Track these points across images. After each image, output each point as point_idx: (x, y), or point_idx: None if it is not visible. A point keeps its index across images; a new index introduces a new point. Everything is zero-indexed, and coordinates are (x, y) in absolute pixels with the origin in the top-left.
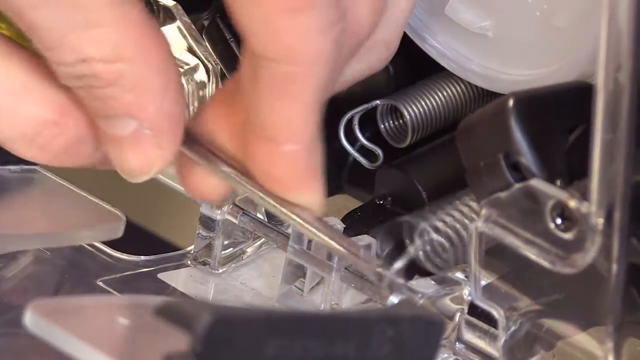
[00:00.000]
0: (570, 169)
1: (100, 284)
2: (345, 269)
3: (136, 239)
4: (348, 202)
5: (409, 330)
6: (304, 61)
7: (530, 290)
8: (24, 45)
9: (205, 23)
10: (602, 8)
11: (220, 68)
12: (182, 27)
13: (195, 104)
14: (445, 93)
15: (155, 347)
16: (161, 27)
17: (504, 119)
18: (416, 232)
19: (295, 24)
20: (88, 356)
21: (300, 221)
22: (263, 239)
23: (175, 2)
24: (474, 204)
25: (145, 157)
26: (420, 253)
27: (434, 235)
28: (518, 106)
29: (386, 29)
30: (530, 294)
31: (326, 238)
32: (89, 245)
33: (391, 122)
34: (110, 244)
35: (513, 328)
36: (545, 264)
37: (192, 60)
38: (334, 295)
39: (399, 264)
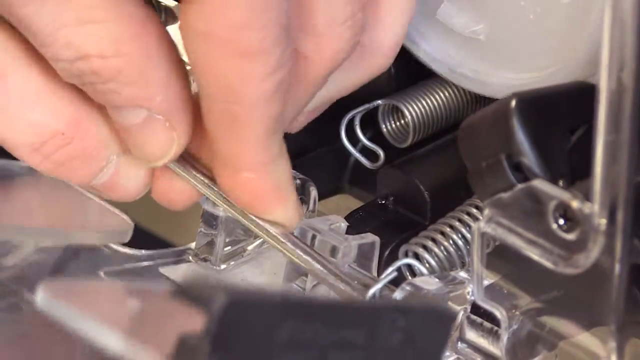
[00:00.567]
0: (573, 170)
1: (102, 275)
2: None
3: (136, 238)
4: (349, 202)
5: (419, 321)
6: (246, 102)
7: (533, 290)
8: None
9: None
10: (604, 7)
11: None
12: None
13: None
14: (447, 93)
15: (166, 329)
16: None
17: (506, 119)
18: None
19: (240, 69)
20: (99, 334)
21: (269, 238)
22: None
23: (177, 3)
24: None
25: (161, 140)
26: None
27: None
28: (520, 106)
29: (381, 36)
30: (533, 294)
31: (294, 255)
32: None
33: (393, 122)
34: None
35: (515, 328)
36: (547, 264)
37: None
38: (335, 294)
39: (389, 275)
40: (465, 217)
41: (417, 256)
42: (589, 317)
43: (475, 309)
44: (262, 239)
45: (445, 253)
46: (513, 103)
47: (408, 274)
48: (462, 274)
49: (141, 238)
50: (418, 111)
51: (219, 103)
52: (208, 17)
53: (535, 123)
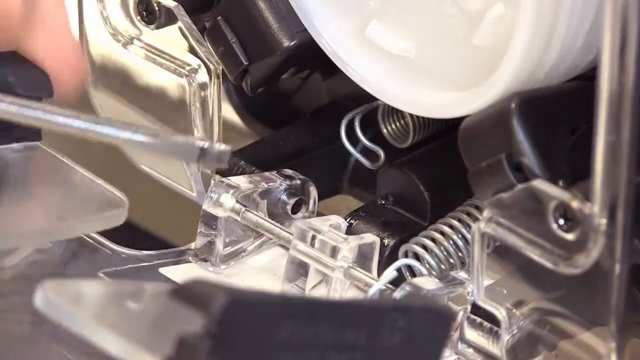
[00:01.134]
0: (573, 170)
1: (102, 275)
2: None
3: (136, 239)
4: (349, 202)
5: (420, 321)
6: None
7: (533, 290)
8: None
9: (207, 24)
10: (606, 7)
11: (222, 69)
12: (183, 27)
13: (197, 104)
14: None
15: (166, 329)
16: (163, 27)
17: (507, 119)
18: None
19: None
20: (97, 335)
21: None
22: (264, 237)
23: (176, 3)
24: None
25: None
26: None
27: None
28: (521, 107)
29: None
30: (533, 294)
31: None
32: (90, 238)
33: (393, 122)
34: (111, 241)
35: (515, 328)
36: (547, 264)
37: (194, 61)
38: (336, 294)
39: (391, 273)
40: (465, 218)
41: (417, 256)
42: (589, 317)
43: (475, 309)
44: (262, 238)
45: (445, 253)
46: (513, 103)
47: (408, 274)
48: (462, 274)
49: (141, 238)
50: None
51: None
52: None
53: (536, 123)
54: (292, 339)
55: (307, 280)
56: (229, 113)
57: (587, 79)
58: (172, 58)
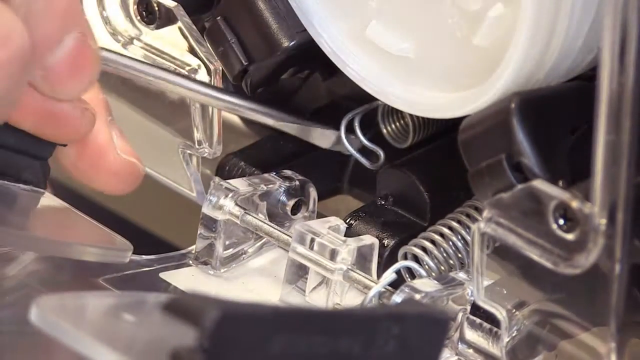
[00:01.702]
0: (573, 170)
1: (102, 282)
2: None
3: (136, 239)
4: (349, 203)
5: (414, 328)
6: None
7: (533, 290)
8: None
9: (207, 24)
10: (606, 7)
11: (222, 69)
12: (183, 28)
13: (197, 104)
14: None
15: (160, 343)
16: (162, 27)
17: (507, 119)
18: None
19: None
20: (93, 351)
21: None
22: (264, 239)
23: (176, 3)
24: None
25: None
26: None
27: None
28: (521, 107)
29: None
30: (533, 295)
31: None
32: None
33: (392, 122)
34: None
35: (515, 328)
36: (547, 264)
37: (194, 61)
38: (336, 296)
39: (390, 275)
40: (464, 219)
41: (416, 258)
42: (589, 318)
43: (475, 309)
44: (262, 240)
45: (444, 255)
46: (513, 103)
47: (407, 276)
48: (462, 275)
49: (142, 239)
50: None
51: None
52: None
53: (536, 123)
54: (286, 351)
55: (307, 282)
56: (229, 113)
57: (587, 79)
58: (172, 58)
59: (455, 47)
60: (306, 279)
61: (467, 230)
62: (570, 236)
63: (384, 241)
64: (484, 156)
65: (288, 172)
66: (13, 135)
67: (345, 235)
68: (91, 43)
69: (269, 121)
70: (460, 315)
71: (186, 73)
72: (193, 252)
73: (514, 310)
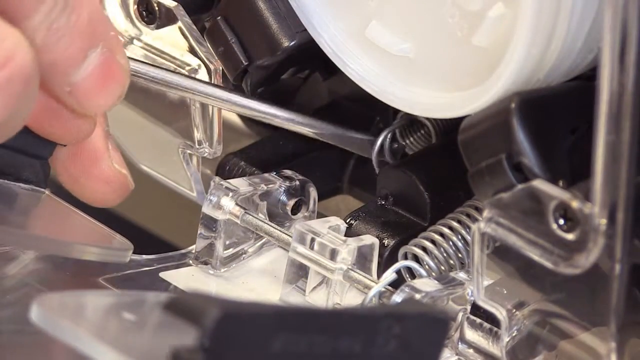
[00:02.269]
0: (573, 170)
1: (102, 281)
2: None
3: (136, 239)
4: (349, 203)
5: (415, 327)
6: None
7: (533, 290)
8: None
9: (207, 24)
10: (606, 7)
11: (222, 69)
12: (183, 27)
13: (197, 104)
14: None
15: (161, 342)
16: (163, 27)
17: (507, 119)
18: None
19: None
20: (94, 350)
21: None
22: (264, 239)
23: (176, 3)
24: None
25: None
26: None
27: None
28: (521, 107)
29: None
30: (533, 295)
31: None
32: None
33: (412, 134)
34: None
35: (515, 328)
36: (547, 264)
37: (194, 61)
38: (336, 295)
39: (390, 275)
40: (464, 219)
41: (416, 258)
42: (589, 318)
43: (475, 309)
44: (262, 240)
45: (444, 255)
46: (513, 103)
47: (407, 275)
48: (462, 275)
49: (142, 239)
50: None
51: None
52: None
53: (536, 123)
54: (287, 350)
55: (307, 282)
56: (229, 113)
57: (587, 79)
58: (172, 58)
59: (456, 47)
60: (306, 278)
61: (468, 230)
62: (570, 236)
63: (384, 241)
64: (484, 156)
65: (288, 172)
66: (13, 135)
67: (345, 235)
68: (118, 58)
69: (309, 133)
70: (460, 315)
71: (217, 84)
72: (193, 251)
73: (514, 310)
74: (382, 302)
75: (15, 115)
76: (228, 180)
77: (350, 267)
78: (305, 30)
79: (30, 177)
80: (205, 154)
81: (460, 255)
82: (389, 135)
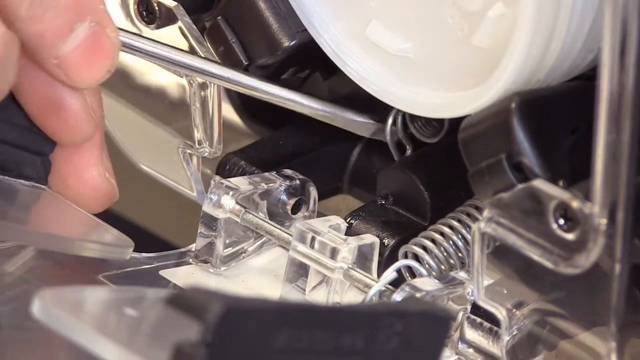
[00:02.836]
0: (573, 170)
1: (102, 279)
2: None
3: (136, 238)
4: (349, 202)
5: (416, 325)
6: None
7: (533, 290)
8: None
9: (207, 24)
10: (606, 7)
11: None
12: (183, 27)
13: (197, 104)
14: None
15: (163, 336)
16: (163, 27)
17: (507, 119)
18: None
19: None
20: (95, 344)
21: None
22: (264, 238)
23: (176, 3)
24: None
25: None
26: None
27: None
28: (521, 107)
29: None
30: (533, 294)
31: None
32: None
33: (419, 119)
34: None
35: (515, 328)
36: (548, 264)
37: None
38: (336, 294)
39: (390, 274)
40: (465, 218)
41: (416, 257)
42: (589, 317)
43: (475, 309)
44: (262, 239)
45: (444, 254)
46: (513, 103)
47: (408, 275)
48: (462, 275)
49: (142, 238)
50: None
51: None
52: None
53: (536, 123)
54: (289, 346)
55: (307, 281)
56: (229, 113)
57: (587, 79)
58: None
59: (455, 47)
60: (306, 277)
61: (468, 229)
62: (570, 236)
63: (384, 241)
64: (484, 156)
65: (288, 172)
66: (14, 131)
67: (345, 235)
68: (108, 32)
69: (305, 110)
70: (460, 314)
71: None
72: (193, 250)
73: (514, 310)
74: (383, 300)
75: None
76: (228, 179)
77: (350, 266)
78: (306, 30)
79: (31, 173)
80: (205, 154)
81: (460, 254)
82: (398, 119)
